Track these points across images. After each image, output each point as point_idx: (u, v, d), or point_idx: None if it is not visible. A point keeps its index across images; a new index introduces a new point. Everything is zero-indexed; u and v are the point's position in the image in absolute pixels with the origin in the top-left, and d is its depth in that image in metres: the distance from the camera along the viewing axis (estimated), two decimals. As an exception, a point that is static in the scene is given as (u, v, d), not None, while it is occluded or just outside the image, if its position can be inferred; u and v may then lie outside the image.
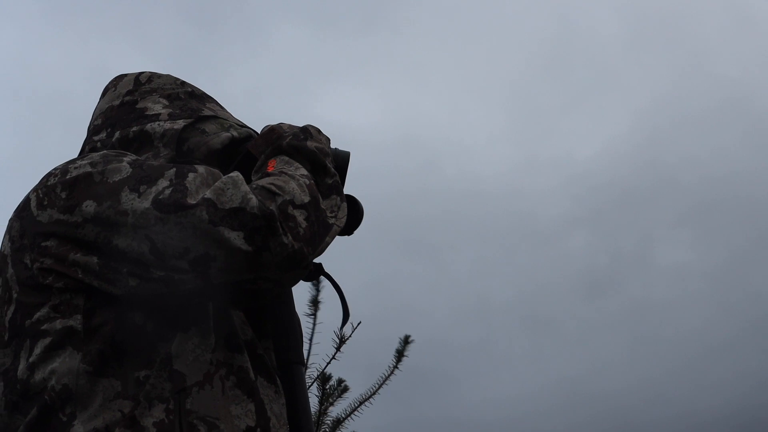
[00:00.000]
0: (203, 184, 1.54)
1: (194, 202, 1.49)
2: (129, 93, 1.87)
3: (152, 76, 1.91)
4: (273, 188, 1.56)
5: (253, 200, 1.51)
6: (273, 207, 1.52)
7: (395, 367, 4.31)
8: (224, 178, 1.55)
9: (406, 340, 4.45)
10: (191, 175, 1.55)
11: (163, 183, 1.53)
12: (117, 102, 1.87)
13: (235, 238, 1.48)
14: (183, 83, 1.93)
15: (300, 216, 1.56)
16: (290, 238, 1.53)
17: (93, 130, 1.87)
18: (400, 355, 4.40)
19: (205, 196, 1.50)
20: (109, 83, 1.94)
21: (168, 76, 1.93)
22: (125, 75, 1.94)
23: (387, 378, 4.24)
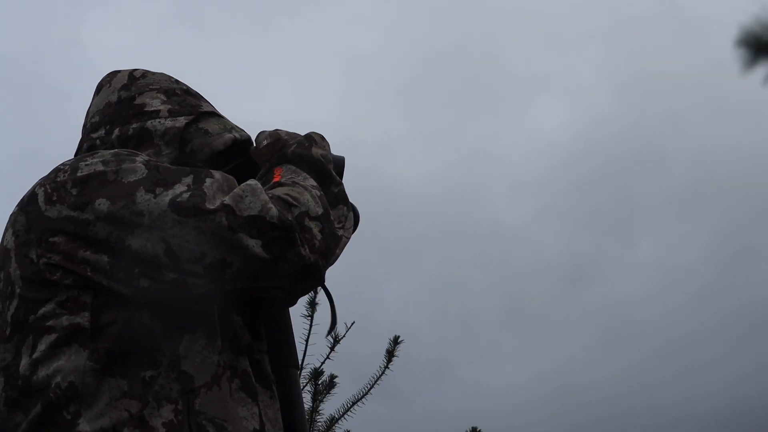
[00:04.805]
0: (219, 190, 1.55)
1: (213, 207, 1.50)
2: (124, 88, 1.86)
3: (146, 73, 1.90)
4: (289, 199, 1.57)
5: (273, 209, 1.52)
6: (291, 218, 1.54)
7: (386, 367, 4.42)
8: (242, 185, 1.56)
9: (395, 341, 4.58)
10: (209, 181, 1.56)
11: (180, 187, 1.54)
12: (114, 98, 1.85)
13: (254, 245, 1.49)
14: (177, 81, 1.92)
15: (315, 228, 1.58)
16: (307, 249, 1.54)
17: (90, 127, 1.85)
18: (390, 355, 4.55)
19: (224, 202, 1.51)
20: (103, 79, 1.92)
21: (162, 73, 1.91)
22: (118, 71, 1.92)
23: (378, 378, 4.36)
